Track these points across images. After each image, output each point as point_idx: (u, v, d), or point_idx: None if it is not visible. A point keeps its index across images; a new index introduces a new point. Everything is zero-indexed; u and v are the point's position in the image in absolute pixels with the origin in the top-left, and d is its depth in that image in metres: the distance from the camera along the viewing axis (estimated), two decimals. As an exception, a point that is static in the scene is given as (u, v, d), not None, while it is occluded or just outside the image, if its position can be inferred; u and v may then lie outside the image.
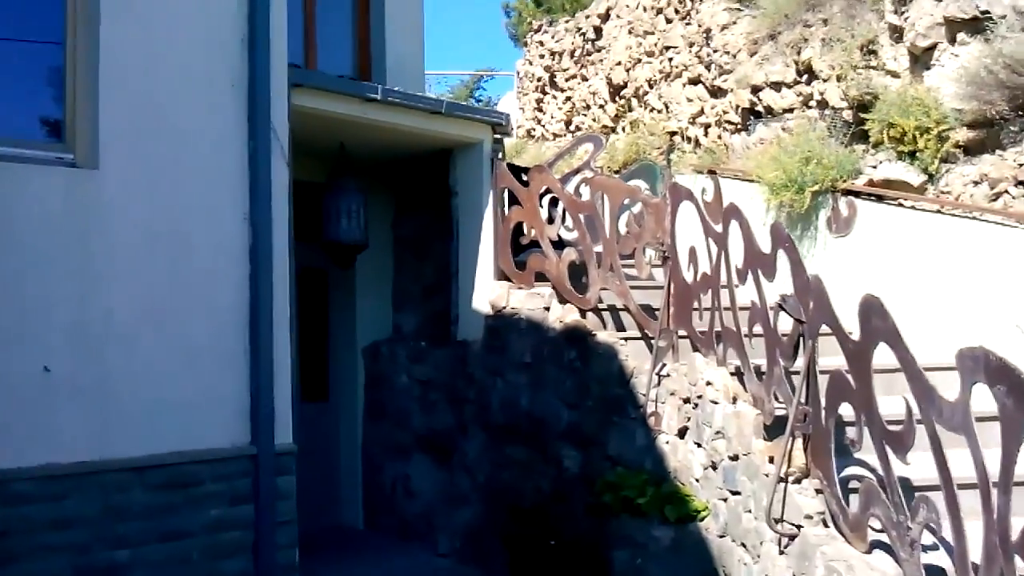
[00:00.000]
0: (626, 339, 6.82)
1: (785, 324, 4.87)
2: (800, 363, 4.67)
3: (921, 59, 7.07)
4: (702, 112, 10.07)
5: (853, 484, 4.51)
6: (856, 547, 4.19)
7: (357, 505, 8.98)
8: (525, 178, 7.85)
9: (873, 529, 4.15)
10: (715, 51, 9.74)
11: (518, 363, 7.43)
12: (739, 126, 9.27)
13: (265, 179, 5.96)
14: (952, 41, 6.82)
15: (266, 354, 5.88)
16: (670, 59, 10.82)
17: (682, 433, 6.05)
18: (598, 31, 13.09)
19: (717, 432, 5.49)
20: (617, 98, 12.30)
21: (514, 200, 7.84)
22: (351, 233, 8.12)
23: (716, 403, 5.55)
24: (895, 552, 3.92)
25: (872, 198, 6.98)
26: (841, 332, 4.32)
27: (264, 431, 5.85)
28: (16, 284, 5.11)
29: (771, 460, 4.83)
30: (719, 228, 5.72)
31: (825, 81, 7.90)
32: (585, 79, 13.43)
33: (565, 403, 7.01)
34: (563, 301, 7.23)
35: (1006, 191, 6.19)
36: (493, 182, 8.01)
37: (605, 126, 12.49)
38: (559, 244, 7.48)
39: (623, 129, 12.01)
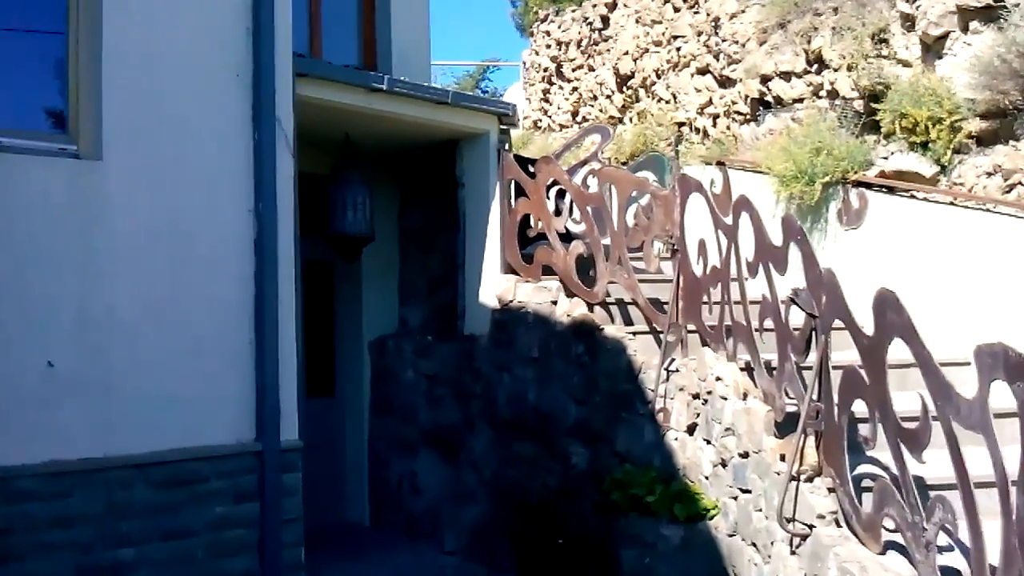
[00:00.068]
0: (634, 333, 6.74)
1: (796, 318, 4.80)
2: (812, 358, 4.60)
3: (933, 48, 6.98)
4: (710, 102, 9.99)
5: (866, 483, 4.44)
6: (870, 548, 4.12)
7: (363, 502, 8.92)
8: (532, 169, 7.76)
9: (887, 529, 4.07)
10: (724, 40, 9.65)
11: (525, 357, 7.36)
12: (748, 116, 9.18)
13: (270, 171, 5.89)
14: (965, 30, 6.73)
15: (271, 349, 5.81)
16: (678, 48, 10.73)
17: (691, 429, 5.98)
18: (605, 20, 12.99)
19: (727, 429, 5.41)
20: (624, 88, 12.21)
21: (521, 192, 7.76)
22: (357, 226, 8.05)
23: (726, 399, 5.47)
24: (910, 553, 3.85)
25: (883, 190, 6.89)
26: (855, 327, 4.24)
27: (269, 427, 5.79)
28: (18, 278, 5.05)
29: (782, 458, 4.75)
30: (729, 220, 5.65)
31: (836, 71, 7.81)
32: (592, 69, 13.34)
33: (573, 398, 6.94)
34: (570, 295, 7.15)
35: (1020, 182, 6.10)
36: (500, 173, 7.92)
37: (612, 117, 12.41)
38: (566, 237, 7.39)
39: (630, 120, 11.93)
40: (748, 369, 5.46)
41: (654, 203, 6.61)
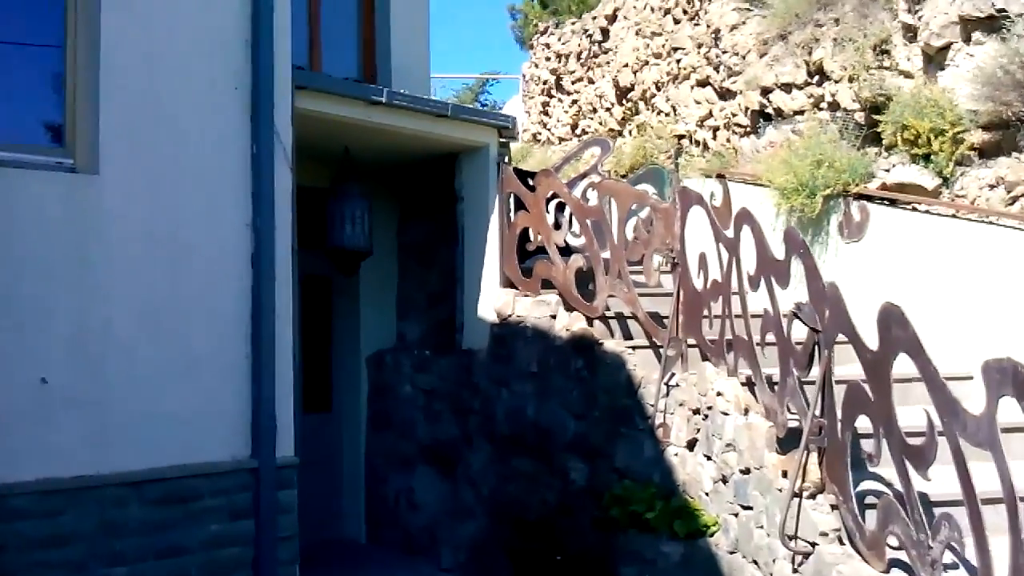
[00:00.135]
0: (634, 348, 6.69)
1: (799, 333, 4.74)
2: (815, 373, 4.54)
3: (935, 59, 6.93)
4: (710, 115, 9.94)
5: (870, 500, 4.37)
6: (874, 566, 4.05)
7: (359, 518, 8.85)
8: (531, 183, 7.72)
9: (891, 547, 4.00)
10: (724, 52, 9.60)
11: (524, 372, 7.31)
12: (748, 129, 9.14)
13: (268, 184, 5.82)
14: (967, 40, 6.68)
15: (268, 364, 5.74)
16: (678, 61, 10.69)
17: (691, 445, 5.92)
18: (605, 33, 12.97)
19: (728, 444, 5.35)
20: (624, 101, 12.18)
21: (520, 205, 7.72)
22: (355, 240, 8.00)
23: (727, 414, 5.41)
24: (915, 572, 3.78)
25: (885, 202, 6.83)
26: (859, 342, 4.18)
27: (265, 443, 5.71)
28: (13, 293, 4.97)
29: (784, 474, 4.69)
30: (730, 233, 5.60)
31: (837, 82, 7.76)
32: (592, 82, 13.31)
33: (572, 413, 6.88)
34: (570, 309, 7.10)
35: (1023, 194, 6.03)
36: (499, 187, 7.88)
37: (612, 129, 12.37)
38: (566, 250, 7.35)
39: (630, 132, 11.89)
40: (749, 384, 5.40)
41: (654, 216, 6.57)
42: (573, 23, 14.29)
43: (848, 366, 4.74)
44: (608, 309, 6.98)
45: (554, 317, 7.16)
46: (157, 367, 5.39)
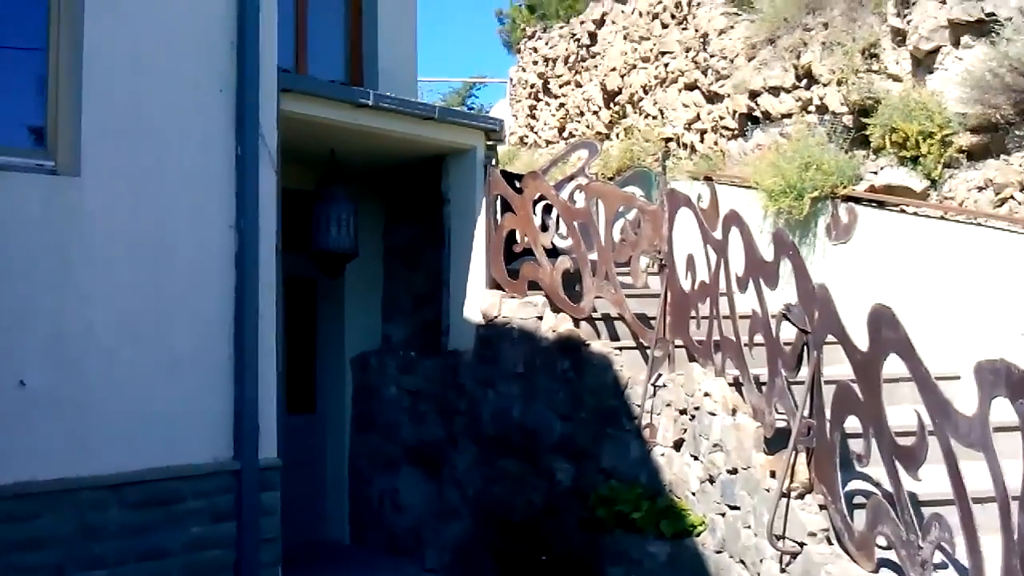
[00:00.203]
0: (621, 349, 6.66)
1: (787, 333, 4.72)
2: (803, 374, 4.51)
3: (924, 63, 6.92)
4: (698, 118, 9.92)
5: (858, 500, 4.34)
6: (863, 566, 4.02)
7: (344, 520, 8.78)
8: (519, 185, 7.70)
9: (880, 547, 3.97)
10: (712, 56, 9.59)
11: (510, 373, 7.27)
12: (736, 132, 9.12)
13: (252, 186, 5.79)
14: (956, 44, 6.67)
15: (251, 366, 5.70)
16: (666, 64, 10.67)
17: (678, 445, 5.89)
18: (593, 37, 12.95)
19: (715, 445, 5.32)
20: (611, 104, 12.15)
21: (507, 207, 7.68)
22: (340, 242, 7.95)
23: (714, 415, 5.38)
24: (904, 572, 3.75)
25: (873, 204, 6.81)
26: (849, 343, 4.15)
27: (248, 445, 5.66)
28: (-8, 294, 4.92)
29: (772, 474, 4.67)
30: (718, 235, 5.57)
31: (825, 86, 7.74)
32: (579, 85, 13.28)
33: (558, 414, 6.85)
34: (556, 310, 7.07)
35: (1011, 197, 6.02)
36: (486, 189, 7.85)
37: (599, 132, 12.34)
38: (553, 252, 7.32)
39: (617, 136, 11.86)
40: (737, 384, 5.38)
41: (642, 218, 6.54)
42: (561, 27, 14.27)
43: (835, 366, 4.71)
44: (595, 310, 6.96)
45: (540, 318, 7.12)
46: (139, 369, 5.34)
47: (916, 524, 3.65)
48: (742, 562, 4.91)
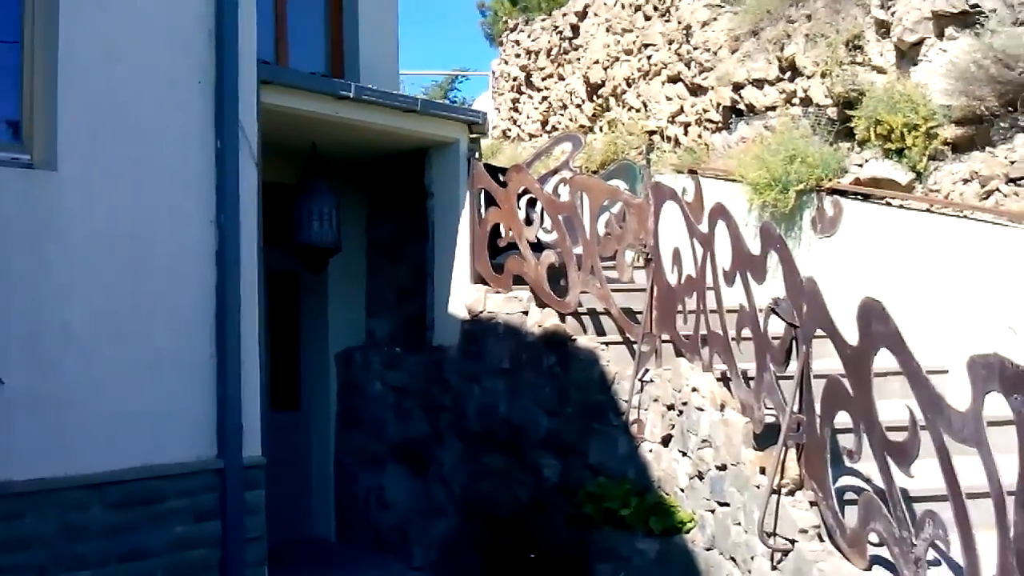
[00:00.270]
0: (607, 344, 6.62)
1: (775, 327, 4.68)
2: (791, 368, 4.48)
3: (908, 55, 6.90)
4: (682, 111, 9.89)
5: (849, 496, 4.32)
6: (855, 563, 3.99)
7: (329, 517, 8.73)
8: (502, 178, 7.64)
9: (872, 544, 3.95)
10: (695, 48, 9.55)
11: (495, 369, 7.22)
12: (720, 125, 9.09)
13: (233, 180, 5.73)
14: (940, 36, 6.66)
15: (233, 363, 5.64)
16: (649, 57, 10.63)
17: (666, 441, 5.85)
18: (575, 29, 12.89)
19: (704, 441, 5.29)
20: (595, 97, 12.10)
21: (491, 201, 7.63)
22: (323, 236, 7.88)
23: (702, 410, 5.35)
24: (898, 570, 3.72)
25: (858, 197, 6.79)
26: (838, 337, 4.12)
27: (231, 443, 5.61)
28: (-33, 292, 4.84)
29: (762, 471, 4.63)
30: (704, 229, 5.53)
31: (809, 78, 7.73)
32: (562, 78, 13.22)
33: (544, 410, 6.81)
34: (542, 305, 7.02)
35: (997, 189, 6.01)
36: (470, 183, 7.79)
37: (582, 126, 12.29)
38: (537, 246, 7.28)
39: (601, 129, 11.81)
40: (725, 379, 5.35)
41: (627, 212, 6.50)
42: (543, 20, 14.20)
43: (823, 360, 4.69)
44: (581, 305, 6.91)
45: (526, 313, 7.08)
46: (118, 367, 5.28)
47: (909, 521, 3.63)
48: (732, 559, 4.89)
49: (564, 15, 13.25)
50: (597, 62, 11.96)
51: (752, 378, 4.91)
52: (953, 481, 3.32)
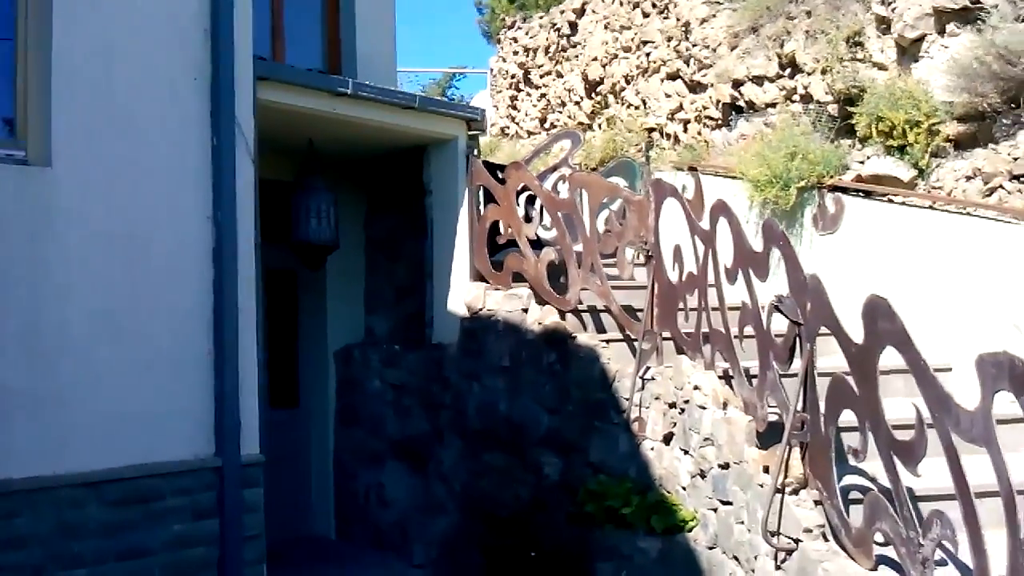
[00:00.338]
0: (608, 341, 6.59)
1: (778, 325, 4.65)
2: (795, 366, 4.45)
3: (909, 51, 6.87)
4: (681, 108, 9.85)
5: (854, 495, 4.29)
6: (861, 564, 3.96)
7: (329, 515, 8.69)
8: (501, 176, 7.60)
9: (877, 544, 3.91)
10: (694, 45, 9.52)
11: (495, 367, 7.18)
12: (720, 122, 9.06)
13: (229, 177, 5.68)
14: (941, 32, 6.63)
15: (231, 360, 5.60)
16: (647, 54, 10.60)
17: (667, 439, 5.82)
18: (573, 26, 12.85)
19: (706, 439, 5.25)
20: (593, 94, 12.07)
21: (490, 198, 7.59)
22: (321, 233, 7.83)
23: (704, 408, 5.31)
24: (904, 570, 3.69)
25: (860, 194, 6.77)
26: (843, 335, 4.09)
27: (229, 441, 5.57)
28: (-38, 290, 4.80)
29: (766, 469, 4.60)
30: (706, 226, 5.50)
31: (809, 74, 7.69)
32: (560, 75, 13.19)
33: (545, 408, 6.77)
34: (542, 302, 6.99)
35: (1000, 186, 5.98)
36: (468, 180, 7.75)
37: (581, 123, 12.25)
38: (537, 243, 7.24)
39: (599, 126, 11.78)
40: (727, 377, 5.32)
41: (628, 208, 6.47)
42: (541, 17, 14.15)
43: (826, 358, 4.66)
44: (581, 302, 6.88)
45: (526, 311, 7.04)
46: (116, 365, 5.24)
47: (916, 520, 3.59)
48: (735, 558, 4.85)
49: (562, 12, 13.21)
50: (596, 59, 11.93)
51: (755, 376, 4.87)
52: (962, 481, 3.28)
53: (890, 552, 3.83)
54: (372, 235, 8.87)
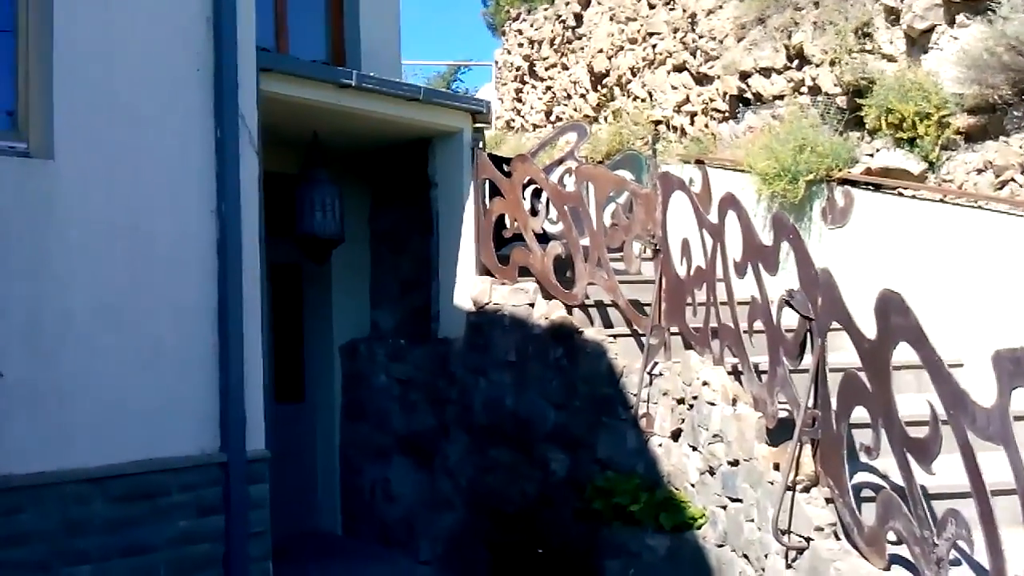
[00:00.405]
0: (615, 336, 6.54)
1: (788, 320, 4.60)
2: (805, 362, 4.39)
3: (918, 42, 6.81)
4: (688, 100, 9.79)
5: (866, 493, 4.23)
6: (873, 563, 3.91)
7: (335, 510, 8.66)
8: (507, 169, 7.54)
9: (890, 543, 3.86)
10: (701, 37, 9.45)
11: (502, 362, 7.14)
12: (727, 114, 9.00)
13: (233, 169, 5.63)
14: (951, 23, 6.57)
15: (236, 355, 5.56)
16: (654, 46, 10.53)
17: (676, 436, 5.77)
18: (578, 18, 12.78)
19: (715, 435, 5.21)
20: (599, 87, 12.01)
21: (496, 191, 7.54)
22: (326, 226, 7.78)
23: (713, 404, 5.27)
24: (918, 570, 3.64)
25: (870, 187, 6.71)
26: (855, 330, 4.03)
27: (235, 437, 5.53)
28: (-36, 283, 4.76)
29: (776, 467, 4.54)
30: (714, 219, 5.45)
31: (817, 66, 7.63)
32: (566, 68, 13.12)
33: (551, 403, 6.72)
34: (548, 297, 6.94)
35: (1012, 179, 5.92)
36: (474, 173, 7.70)
37: (587, 116, 12.20)
38: (543, 237, 7.19)
39: (605, 119, 11.72)
40: (736, 373, 5.27)
41: (635, 202, 6.42)
42: (546, 9, 14.07)
43: (836, 353, 4.60)
44: (587, 297, 6.82)
45: (532, 305, 6.99)
46: (119, 359, 5.20)
47: (930, 519, 3.54)
48: (745, 556, 4.80)
49: (567, 4, 13.14)
50: (601, 51, 11.87)
51: (764, 372, 4.82)
52: (978, 479, 3.23)
53: (903, 551, 3.78)
54: (377, 228, 8.82)
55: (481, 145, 7.95)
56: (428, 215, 8.07)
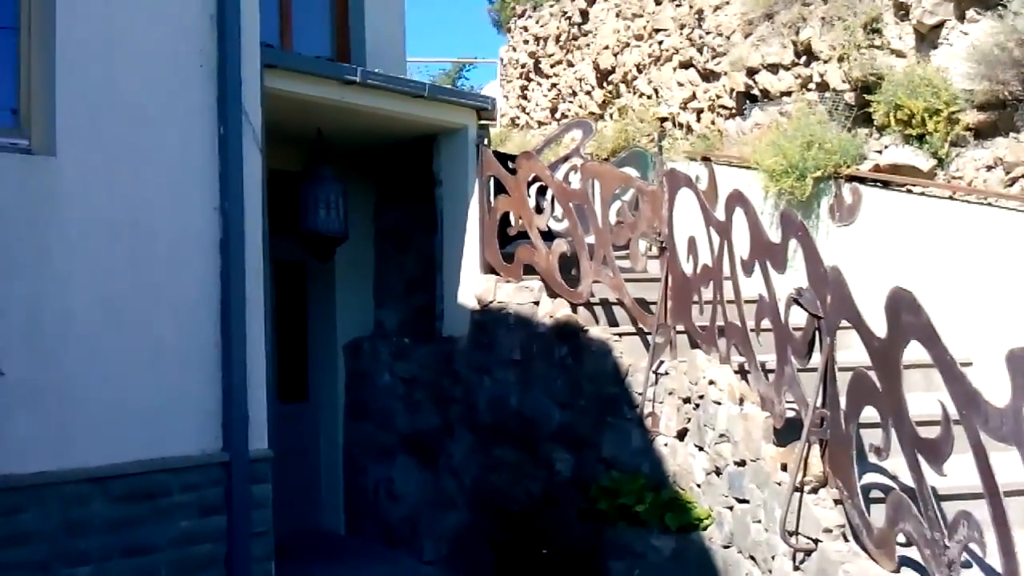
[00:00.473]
0: (620, 335, 6.49)
1: (796, 319, 4.54)
2: (814, 361, 4.34)
3: (928, 38, 6.75)
4: (694, 97, 9.73)
5: (875, 494, 4.17)
6: (883, 565, 3.85)
7: (338, 509, 8.63)
8: (512, 166, 7.48)
9: (900, 545, 3.80)
10: (707, 33, 9.39)
11: (506, 360, 7.09)
12: (734, 111, 8.94)
13: (236, 167, 5.58)
14: (961, 18, 6.51)
15: (239, 354, 5.51)
16: (660, 42, 10.48)
17: (682, 435, 5.72)
18: (584, 15, 12.72)
19: (721, 435, 5.15)
20: (605, 84, 11.95)
21: (500, 189, 7.49)
22: (330, 224, 7.74)
23: (720, 404, 5.21)
24: (929, 572, 3.58)
25: (878, 184, 6.64)
26: (865, 328, 3.97)
27: (237, 436, 5.48)
28: (-36, 281, 4.71)
29: (784, 467, 4.49)
30: (721, 216, 5.39)
31: (825, 62, 7.57)
32: (571, 65, 13.07)
33: (556, 402, 6.68)
34: (553, 295, 6.88)
35: (1023, 176, 5.85)
36: (479, 170, 7.65)
37: (592, 113, 12.14)
38: (548, 235, 7.14)
39: (611, 116, 11.67)
40: (743, 372, 5.21)
41: (641, 199, 6.36)
42: (551, 5, 14.01)
43: (844, 352, 4.55)
44: (593, 295, 6.77)
45: (537, 303, 6.94)
46: (121, 358, 5.15)
47: (941, 521, 3.48)
48: (752, 558, 4.75)
49: (572, 0, 13.08)
50: (607, 48, 11.81)
51: (771, 371, 4.76)
52: (990, 480, 3.18)
53: (913, 553, 3.73)
54: (381, 226, 8.78)
55: (486, 142, 7.91)
56: (432, 213, 8.03)
